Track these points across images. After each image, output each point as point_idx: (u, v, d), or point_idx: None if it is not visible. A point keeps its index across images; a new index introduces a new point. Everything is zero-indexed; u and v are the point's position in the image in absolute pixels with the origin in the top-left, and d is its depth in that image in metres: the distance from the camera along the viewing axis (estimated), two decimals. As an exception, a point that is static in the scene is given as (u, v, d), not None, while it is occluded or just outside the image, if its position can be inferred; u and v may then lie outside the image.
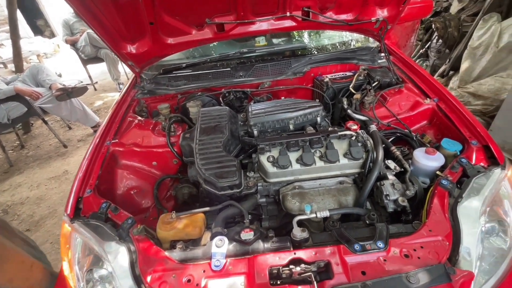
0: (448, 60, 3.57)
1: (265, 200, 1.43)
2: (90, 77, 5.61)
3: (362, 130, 1.36)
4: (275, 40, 2.29)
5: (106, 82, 6.06)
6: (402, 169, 1.23)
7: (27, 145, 4.05)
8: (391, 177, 1.23)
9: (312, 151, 1.30)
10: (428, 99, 1.52)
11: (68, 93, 3.41)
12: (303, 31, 2.21)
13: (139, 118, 1.73)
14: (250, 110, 1.56)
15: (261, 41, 2.20)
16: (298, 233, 1.01)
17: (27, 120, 4.03)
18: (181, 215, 1.13)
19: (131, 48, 1.70)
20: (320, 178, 1.34)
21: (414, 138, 1.45)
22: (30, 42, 8.31)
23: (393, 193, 1.17)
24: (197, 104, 1.79)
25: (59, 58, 8.46)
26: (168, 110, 1.82)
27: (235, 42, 2.30)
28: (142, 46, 1.71)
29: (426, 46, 4.18)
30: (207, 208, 1.17)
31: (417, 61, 4.43)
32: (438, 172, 1.16)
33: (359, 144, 1.30)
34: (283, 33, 2.25)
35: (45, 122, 3.60)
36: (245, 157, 1.49)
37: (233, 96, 1.81)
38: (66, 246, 1.12)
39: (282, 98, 1.75)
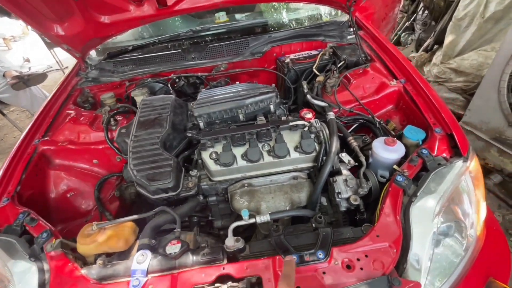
0: (433, 33, 3.35)
1: (215, 199, 1.31)
2: (58, 62, 5.23)
3: (317, 119, 1.21)
4: (237, 16, 2.05)
5: (78, 66, 5.67)
6: (357, 164, 1.10)
7: (-10, 137, 3.81)
8: (345, 172, 1.11)
9: (260, 145, 1.16)
10: (394, 80, 1.36)
11: (24, 81, 3.13)
12: (268, 4, 1.97)
13: (77, 112, 1.54)
14: (198, 98, 1.39)
15: (221, 17, 1.96)
16: (231, 243, 0.89)
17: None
18: (105, 225, 0.99)
19: (60, 29, 1.47)
20: (271, 174, 1.21)
21: (378, 125, 1.31)
22: (-5, 24, 7.68)
23: (345, 190, 1.05)
24: (143, 92, 1.60)
25: (28, 41, 7.88)
26: (112, 100, 1.63)
27: (194, 18, 2.06)
28: (73, 27, 1.48)
29: (412, 19, 3.93)
30: (135, 216, 1.04)
31: (402, 35, 4.19)
32: (395, 167, 1.04)
33: (312, 135, 1.16)
34: (247, 7, 2.01)
35: (3, 114, 3.34)
36: (192, 153, 1.34)
37: (184, 82, 1.61)
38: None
39: (237, 83, 1.56)
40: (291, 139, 1.17)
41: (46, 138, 1.38)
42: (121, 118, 1.54)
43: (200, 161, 1.22)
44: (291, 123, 1.17)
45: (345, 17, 1.83)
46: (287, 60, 1.60)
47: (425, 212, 0.89)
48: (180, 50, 1.69)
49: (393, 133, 1.28)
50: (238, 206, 1.19)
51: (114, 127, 1.46)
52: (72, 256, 0.96)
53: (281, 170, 1.20)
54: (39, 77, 3.29)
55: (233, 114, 1.31)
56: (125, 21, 1.52)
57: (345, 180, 1.07)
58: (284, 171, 1.20)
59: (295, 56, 1.67)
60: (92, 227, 0.97)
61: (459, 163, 0.98)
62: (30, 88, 3.28)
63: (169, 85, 1.60)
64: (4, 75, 3.14)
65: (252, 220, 0.98)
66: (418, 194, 0.92)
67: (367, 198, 1.07)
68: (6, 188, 1.15)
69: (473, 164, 1.01)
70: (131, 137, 1.24)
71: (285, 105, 1.46)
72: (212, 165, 1.15)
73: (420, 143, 1.12)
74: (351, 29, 1.77)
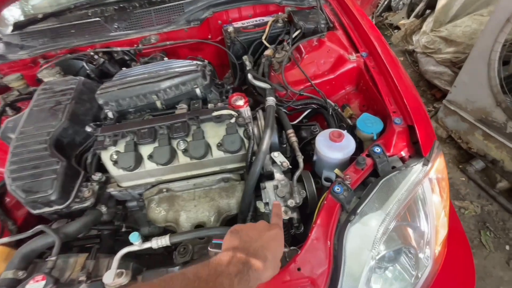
0: (425, -5, 2.95)
1: (136, 204, 1.09)
2: None
3: (248, 108, 0.94)
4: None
5: None
6: (291, 167, 0.86)
7: None
8: (278, 176, 0.87)
9: (175, 142, 0.91)
10: (354, 54, 1.08)
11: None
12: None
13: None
14: (110, 80, 1.10)
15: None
16: (110, 279, 0.68)
17: None
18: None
19: None
20: (193, 177, 0.98)
21: (331, 111, 1.05)
22: None
23: (274, 200, 0.82)
24: (53, 72, 1.30)
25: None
26: (21, 83, 1.32)
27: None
28: None
29: (405, -21, 3.48)
30: (4, 239, 0.81)
31: (393, -1, 3.75)
32: (336, 171, 0.80)
33: (241, 130, 0.90)
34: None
35: None
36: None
37: (104, 60, 1.31)
38: None
39: (165, 59, 1.26)
40: (214, 133, 0.92)
41: None
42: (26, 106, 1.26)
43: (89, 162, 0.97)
44: (214, 114, 0.91)
45: (309, -27, 1.48)
46: (230, 28, 1.28)
47: (365, 235, 0.68)
48: (99, 18, 1.35)
49: (350, 121, 1.03)
50: (154, 217, 0.97)
51: (12, 118, 1.18)
52: None
53: (205, 172, 0.97)
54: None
55: (149, 101, 1.04)
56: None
57: (276, 187, 0.84)
58: (209, 173, 0.97)
59: (242, 24, 1.35)
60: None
61: (417, 167, 0.75)
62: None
63: (85, 64, 1.29)
64: None
65: (147, 245, 0.76)
66: (358, 210, 0.70)
67: (304, 208, 0.85)
68: None
69: (437, 166, 0.78)
70: (16, 133, 0.98)
71: (224, 88, 1.18)
72: (112, 169, 0.90)
73: (375, 137, 0.88)
74: (314, -12, 1.43)
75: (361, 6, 2.62)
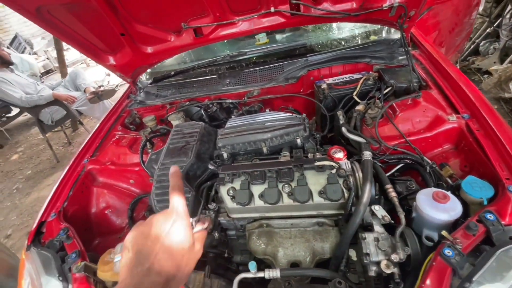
0: (524, 41, 2.73)
1: (234, 233, 1.26)
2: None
3: (347, 161, 1.05)
4: (278, 37, 2.00)
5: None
6: (392, 222, 0.91)
7: (73, 142, 4.55)
8: (378, 228, 0.92)
9: (280, 185, 1.06)
10: (453, 114, 1.11)
11: (98, 96, 3.66)
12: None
13: (123, 133, 1.69)
14: (225, 127, 1.37)
15: (261, 38, 1.94)
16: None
17: (75, 120, 4.50)
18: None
19: (113, 60, 1.64)
20: (292, 217, 1.10)
21: (428, 169, 1.07)
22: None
23: (375, 252, 0.87)
24: (179, 116, 1.66)
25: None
26: (153, 123, 1.74)
27: (237, 41, 2.09)
28: (123, 57, 1.64)
29: (496, 24, 3.28)
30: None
31: (482, 43, 3.53)
32: (444, 233, 0.82)
33: (341, 180, 1.01)
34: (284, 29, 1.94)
35: (81, 123, 3.96)
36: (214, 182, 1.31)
37: (217, 108, 1.62)
38: (22, 271, 1.13)
39: (267, 110, 1.49)
40: (315, 181, 1.04)
41: (93, 158, 1.53)
42: (157, 141, 1.63)
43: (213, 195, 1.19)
44: (316, 164, 1.04)
45: (397, 34, 1.61)
46: (324, 85, 1.46)
47: (483, 307, 0.67)
48: (215, 76, 1.71)
49: (450, 181, 1.03)
50: (255, 248, 1.11)
51: (150, 150, 1.55)
52: (94, 279, 1.02)
53: (303, 214, 1.08)
54: (110, 93, 3.81)
55: (257, 147, 1.25)
56: (166, 50, 1.61)
57: (376, 239, 0.89)
58: (307, 216, 1.08)
59: (334, 80, 1.52)
60: (110, 255, 1.02)
61: (542, 241, 0.72)
62: (103, 102, 3.80)
63: (203, 111, 1.63)
64: (84, 91, 3.73)
65: (260, 274, 0.89)
66: (474, 278, 0.70)
67: (405, 265, 0.87)
68: (56, 204, 1.31)
69: None
70: (158, 165, 1.29)
71: (316, 137, 1.33)
72: (229, 202, 1.10)
73: (485, 202, 0.87)
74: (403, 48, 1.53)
75: (446, 54, 2.58)
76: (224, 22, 1.42)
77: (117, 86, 5.89)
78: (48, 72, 7.94)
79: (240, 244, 1.26)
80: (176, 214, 0.57)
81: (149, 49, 1.60)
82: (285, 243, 1.07)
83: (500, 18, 3.21)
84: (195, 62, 1.89)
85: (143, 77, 2.07)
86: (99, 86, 3.98)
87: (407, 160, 1.15)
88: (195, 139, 1.34)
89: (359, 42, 1.65)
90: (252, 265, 0.87)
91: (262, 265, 1.04)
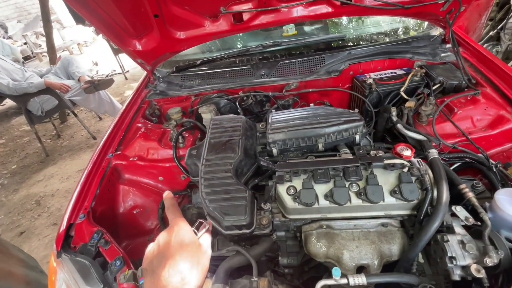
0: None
1: (284, 234, 1.18)
2: (121, 66, 5.68)
3: (418, 159, 1.00)
4: (307, 28, 1.92)
5: (137, 71, 6.11)
6: (478, 223, 0.87)
7: (63, 134, 4.23)
8: (459, 230, 0.88)
9: (347, 184, 0.99)
10: (517, 113, 1.09)
11: (95, 86, 3.41)
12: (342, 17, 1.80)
13: (146, 126, 1.54)
14: (269, 121, 1.28)
15: (289, 30, 1.85)
16: (322, 311, 0.75)
17: (63, 111, 4.18)
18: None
19: (139, 45, 1.49)
20: (355, 218, 1.04)
21: (494, 168, 1.05)
22: (72, 31, 8.74)
23: (462, 256, 0.83)
24: (211, 109, 1.54)
25: (96, 46, 8.78)
26: (179, 115, 1.61)
27: (261, 31, 1.98)
28: (150, 42, 1.49)
29: (499, 27, 3.39)
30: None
31: (485, 46, 3.65)
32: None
33: (413, 179, 0.96)
34: (318, 20, 1.87)
35: (75, 115, 3.68)
36: (262, 181, 1.23)
37: (252, 101, 1.52)
38: (52, 279, 0.99)
39: (311, 105, 1.42)
40: (385, 180, 0.98)
41: (118, 152, 1.39)
42: (187, 135, 1.50)
43: (273, 194, 1.10)
44: (386, 161, 0.98)
45: (437, 30, 1.58)
46: (370, 80, 1.41)
47: None
48: (249, 66, 1.61)
49: (516, 181, 1.02)
50: (315, 251, 1.04)
51: (181, 145, 1.43)
52: (141, 289, 0.91)
53: (370, 215, 1.02)
54: (107, 82, 3.55)
55: (311, 143, 1.17)
56: (198, 36, 1.49)
57: (461, 242, 0.85)
58: (374, 216, 1.02)
59: (377, 75, 1.47)
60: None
61: None
62: (99, 92, 3.55)
63: (236, 103, 1.52)
64: (79, 80, 3.46)
65: (344, 281, 0.82)
66: None
67: (490, 270, 0.84)
68: (83, 203, 1.16)
69: None
70: (202, 161, 1.17)
71: (369, 135, 1.27)
72: (289, 202, 1.01)
73: None
74: (447, 46, 1.51)
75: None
76: (269, 8, 1.31)
77: (107, 76, 5.57)
78: (26, 58, 7.36)
79: (288, 246, 1.18)
80: (176, 225, 0.70)
81: (180, 35, 1.46)
82: (350, 246, 1.01)
83: (503, 22, 3.33)
84: (222, 51, 1.77)
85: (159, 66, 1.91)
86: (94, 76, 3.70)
87: (466, 159, 1.12)
88: (239, 134, 1.24)
89: (401, 37, 1.61)
90: (337, 272, 0.80)
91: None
